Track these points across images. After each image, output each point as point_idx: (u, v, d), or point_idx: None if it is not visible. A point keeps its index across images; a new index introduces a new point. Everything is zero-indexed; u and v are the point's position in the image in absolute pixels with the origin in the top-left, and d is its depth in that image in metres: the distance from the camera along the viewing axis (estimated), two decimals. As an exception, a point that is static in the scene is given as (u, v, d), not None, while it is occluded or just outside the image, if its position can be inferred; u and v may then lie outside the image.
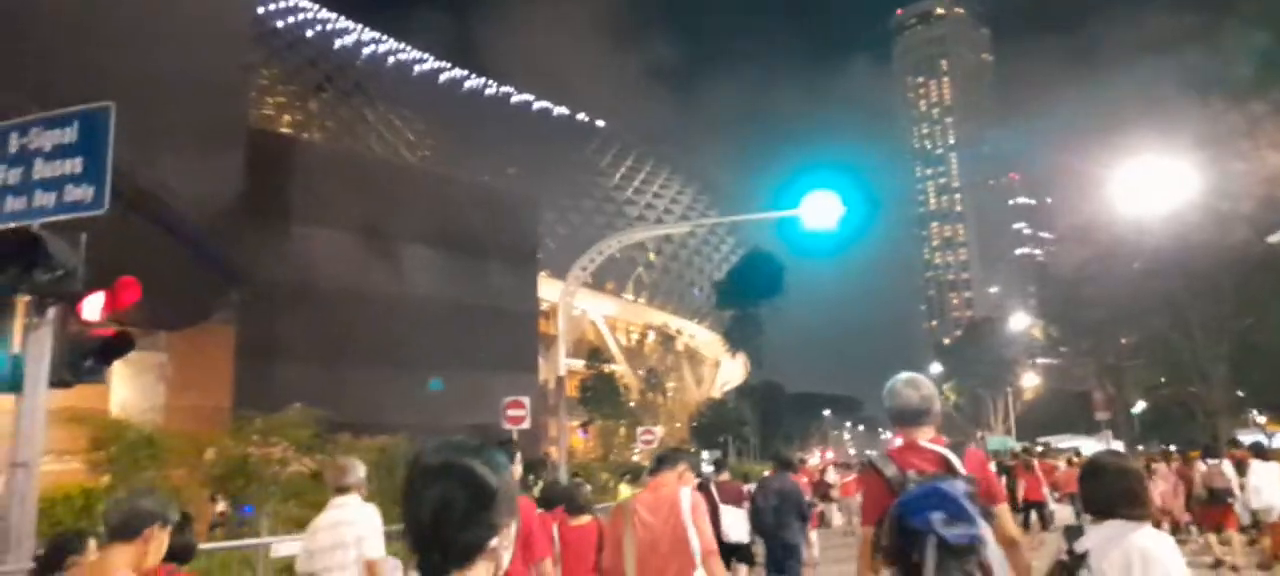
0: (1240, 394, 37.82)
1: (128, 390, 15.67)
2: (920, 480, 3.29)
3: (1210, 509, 12.76)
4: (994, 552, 3.18)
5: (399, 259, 26.68)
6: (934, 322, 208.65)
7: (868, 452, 43.53)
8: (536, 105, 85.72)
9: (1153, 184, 24.19)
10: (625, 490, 22.03)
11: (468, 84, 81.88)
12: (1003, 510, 3.52)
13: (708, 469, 31.59)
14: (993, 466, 15.68)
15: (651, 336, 67.81)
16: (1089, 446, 42.30)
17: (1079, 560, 3.01)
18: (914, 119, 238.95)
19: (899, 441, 3.66)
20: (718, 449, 44.34)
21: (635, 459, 35.06)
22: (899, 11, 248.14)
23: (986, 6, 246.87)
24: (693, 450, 45.89)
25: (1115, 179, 28.14)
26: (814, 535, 16.03)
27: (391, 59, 76.39)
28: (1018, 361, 61.14)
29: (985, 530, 3.12)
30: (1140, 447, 39.39)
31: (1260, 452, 12.75)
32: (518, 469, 5.21)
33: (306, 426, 11.99)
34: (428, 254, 27.27)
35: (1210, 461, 13.33)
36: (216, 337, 20.11)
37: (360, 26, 76.37)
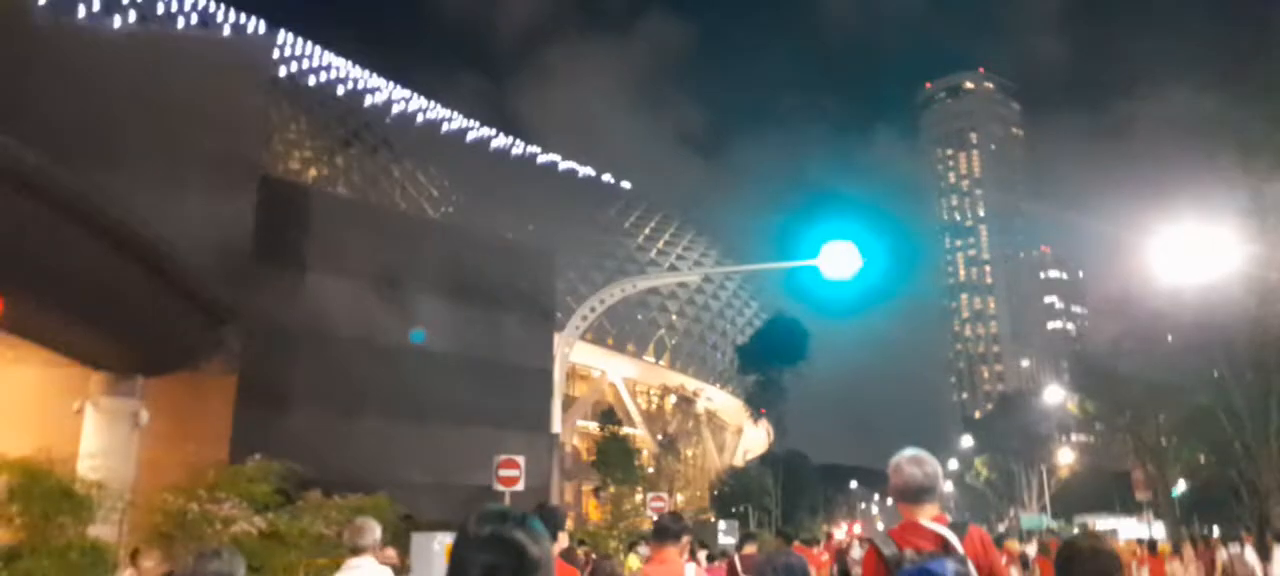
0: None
1: (100, 439, 14.98)
2: (917, 559, 3.34)
3: None
4: None
5: (412, 310, 26.09)
6: (964, 395, 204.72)
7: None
8: (562, 165, 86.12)
9: (1190, 255, 23.11)
10: (634, 561, 20.87)
11: (495, 143, 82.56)
12: None
13: (728, 540, 30.32)
14: (1032, 548, 14.82)
15: (672, 399, 66.70)
16: (1128, 527, 40.40)
17: None
18: (943, 191, 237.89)
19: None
20: (737, 518, 42.85)
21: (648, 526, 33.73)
22: (928, 85, 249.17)
23: (1016, 82, 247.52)
24: (712, 520, 44.48)
25: (1151, 250, 27.04)
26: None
27: (420, 117, 77.29)
28: (1051, 437, 59.17)
29: None
30: (1183, 529, 37.49)
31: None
32: (564, 538, 5.06)
33: (263, 481, 11.03)
34: (442, 306, 26.65)
35: (1233, 548, 13.25)
36: (215, 386, 19.45)
37: (392, 85, 77.56)
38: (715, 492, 54.40)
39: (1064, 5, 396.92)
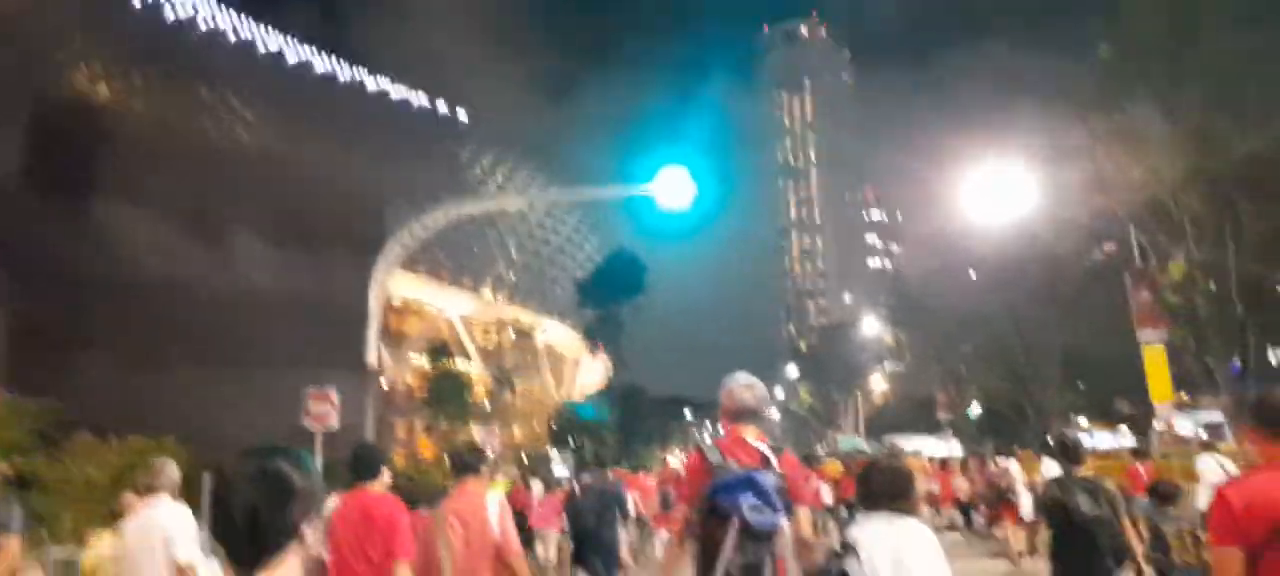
0: (1071, 397, 39.83)
1: None
2: (740, 469, 3.61)
3: (996, 504, 14.26)
4: (789, 546, 3.58)
5: (218, 244, 24.16)
6: (792, 328, 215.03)
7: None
8: (395, 95, 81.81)
9: (996, 195, 24.79)
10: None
11: (319, 68, 77.20)
12: (803, 511, 3.78)
13: (561, 471, 30.34)
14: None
15: (511, 334, 65.94)
16: (930, 446, 43.78)
17: (849, 548, 3.34)
18: (778, 133, 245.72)
19: (726, 434, 4.00)
20: (575, 452, 43.16)
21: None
22: (765, 28, 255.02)
23: (848, 31, 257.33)
24: (547, 451, 44.58)
25: (960, 190, 28.80)
26: (664, 532, 15.37)
27: (232, 36, 70.94)
28: (868, 366, 63.07)
29: (784, 521, 3.50)
30: (976, 447, 40.93)
31: (1050, 451, 13.68)
32: (387, 474, 4.96)
33: (12, 424, 9.63)
34: (252, 241, 24.86)
35: (1000, 462, 14.95)
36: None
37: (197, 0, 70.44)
38: (553, 426, 54.57)
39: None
